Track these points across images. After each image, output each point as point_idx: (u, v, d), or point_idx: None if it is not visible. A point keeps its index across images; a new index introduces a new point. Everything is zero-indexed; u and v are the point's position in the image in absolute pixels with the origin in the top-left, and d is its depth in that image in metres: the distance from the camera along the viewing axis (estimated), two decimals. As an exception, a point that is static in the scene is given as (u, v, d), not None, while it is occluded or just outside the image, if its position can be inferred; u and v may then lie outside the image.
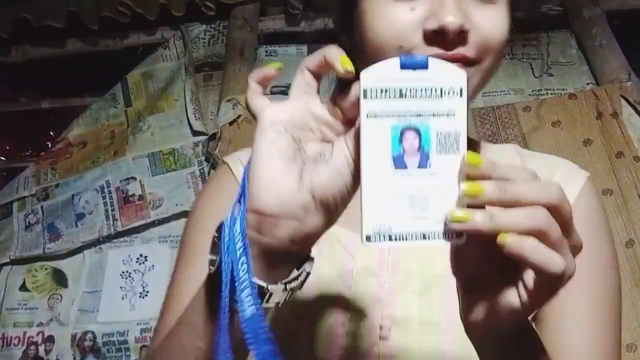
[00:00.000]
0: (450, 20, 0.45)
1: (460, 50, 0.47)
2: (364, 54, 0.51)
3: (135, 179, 1.61)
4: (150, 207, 1.57)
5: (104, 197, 1.61)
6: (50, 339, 1.50)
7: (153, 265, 1.53)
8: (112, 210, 1.58)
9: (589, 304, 0.56)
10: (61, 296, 1.54)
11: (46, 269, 1.58)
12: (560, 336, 0.55)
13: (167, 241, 1.55)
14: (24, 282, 1.57)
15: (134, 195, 1.59)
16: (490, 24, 0.48)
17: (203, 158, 1.61)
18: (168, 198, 1.57)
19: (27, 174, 1.73)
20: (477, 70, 0.49)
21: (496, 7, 0.49)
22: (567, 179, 0.60)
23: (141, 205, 1.58)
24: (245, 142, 1.55)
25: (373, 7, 0.48)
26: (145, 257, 1.54)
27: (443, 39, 0.46)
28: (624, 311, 1.30)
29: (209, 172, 1.58)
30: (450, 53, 0.46)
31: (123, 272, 1.52)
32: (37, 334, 1.51)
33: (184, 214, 1.56)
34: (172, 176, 1.61)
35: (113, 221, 1.56)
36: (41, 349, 1.49)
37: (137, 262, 1.53)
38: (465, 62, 0.48)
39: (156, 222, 1.56)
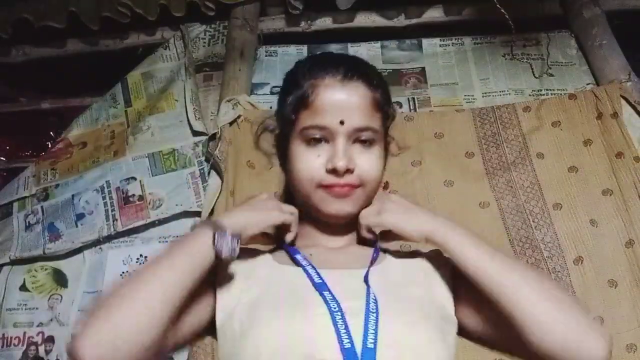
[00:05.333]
0: (340, 164, 0.72)
1: (348, 180, 0.74)
2: (293, 181, 0.78)
3: (135, 179, 1.61)
4: (150, 208, 1.57)
5: (104, 197, 1.61)
6: (50, 339, 1.50)
7: (153, 266, 1.53)
8: (112, 210, 1.58)
9: None
10: (61, 296, 1.54)
11: (46, 269, 1.58)
12: None
13: (167, 241, 1.55)
14: (24, 282, 1.57)
15: (134, 195, 1.59)
16: (367, 164, 0.75)
17: (203, 158, 1.61)
18: (168, 198, 1.57)
19: (27, 174, 1.73)
20: (361, 192, 0.76)
21: (372, 153, 0.76)
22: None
23: (141, 206, 1.58)
24: (246, 142, 1.55)
25: (296, 153, 0.76)
26: (145, 257, 1.54)
27: (337, 174, 0.74)
28: (624, 311, 1.31)
29: (209, 172, 1.57)
30: (342, 182, 0.74)
31: (123, 272, 1.52)
32: (37, 334, 1.51)
33: (184, 214, 1.56)
34: (172, 176, 1.60)
35: (113, 221, 1.56)
36: (41, 349, 1.49)
37: (137, 262, 1.53)
38: (352, 187, 0.75)
39: (156, 222, 1.56)
